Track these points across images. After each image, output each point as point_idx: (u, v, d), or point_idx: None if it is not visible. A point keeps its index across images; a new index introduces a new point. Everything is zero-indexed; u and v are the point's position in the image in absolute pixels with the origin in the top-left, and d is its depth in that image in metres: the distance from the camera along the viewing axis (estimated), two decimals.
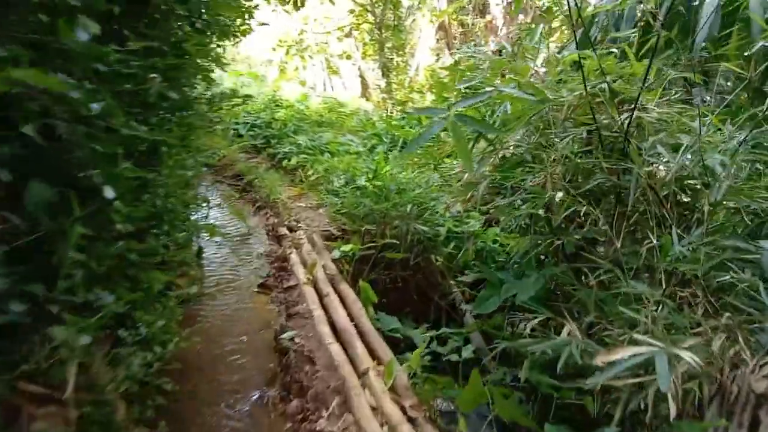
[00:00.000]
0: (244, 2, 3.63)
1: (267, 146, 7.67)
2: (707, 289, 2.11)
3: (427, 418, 2.35)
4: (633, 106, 2.46)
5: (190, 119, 2.97)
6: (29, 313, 1.25)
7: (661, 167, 2.58)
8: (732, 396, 1.70)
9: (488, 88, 2.28)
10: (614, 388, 1.91)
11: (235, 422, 2.48)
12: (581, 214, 2.59)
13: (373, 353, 2.84)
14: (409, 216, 4.38)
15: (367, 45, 14.05)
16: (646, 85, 2.48)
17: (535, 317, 2.39)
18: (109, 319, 1.62)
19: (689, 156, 2.40)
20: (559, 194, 2.63)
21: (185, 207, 3.36)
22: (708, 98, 3.33)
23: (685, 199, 2.59)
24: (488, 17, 12.57)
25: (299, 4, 9.33)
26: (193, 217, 3.74)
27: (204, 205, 4.19)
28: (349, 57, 15.05)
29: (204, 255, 4.22)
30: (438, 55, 13.61)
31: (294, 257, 4.18)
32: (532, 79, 2.89)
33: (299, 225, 5.00)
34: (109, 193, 1.40)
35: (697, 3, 3.31)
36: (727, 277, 2.06)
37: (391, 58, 13.19)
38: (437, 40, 13.88)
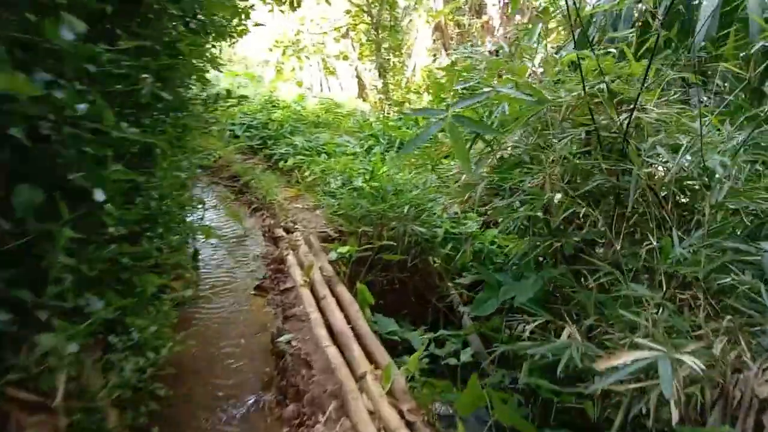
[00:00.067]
0: (239, 2, 3.60)
1: (263, 147, 7.63)
2: (708, 291, 2.09)
3: (425, 422, 2.32)
4: (632, 106, 2.44)
5: (185, 120, 2.94)
6: (14, 321, 1.22)
7: (660, 168, 2.56)
8: (735, 401, 1.68)
9: (486, 89, 2.26)
10: (615, 392, 1.89)
11: (230, 427, 2.45)
12: (580, 215, 2.57)
13: (370, 356, 2.81)
14: (406, 217, 4.35)
15: (364, 45, 14.03)
16: (645, 85, 2.46)
17: (535, 320, 2.37)
18: (100, 325, 1.58)
19: (688, 157, 2.38)
20: (558, 196, 2.61)
21: (181, 209, 3.33)
22: (704, 99, 3.32)
23: (683, 200, 2.57)
24: (485, 18, 12.56)
25: (295, 5, 9.29)
26: (188, 219, 3.70)
27: (200, 206, 4.16)
28: (345, 57, 15.01)
29: (200, 257, 4.19)
30: (435, 55, 13.59)
31: (291, 259, 4.15)
32: (529, 80, 2.87)
33: (296, 226, 4.97)
34: (99, 195, 1.37)
35: (696, 2, 3.29)
36: (728, 279, 2.04)
37: (388, 59, 13.17)
38: (434, 40, 13.85)
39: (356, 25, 13.84)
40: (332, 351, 2.80)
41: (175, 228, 3.12)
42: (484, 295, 3.15)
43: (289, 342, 2.97)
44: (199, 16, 2.74)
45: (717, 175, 2.30)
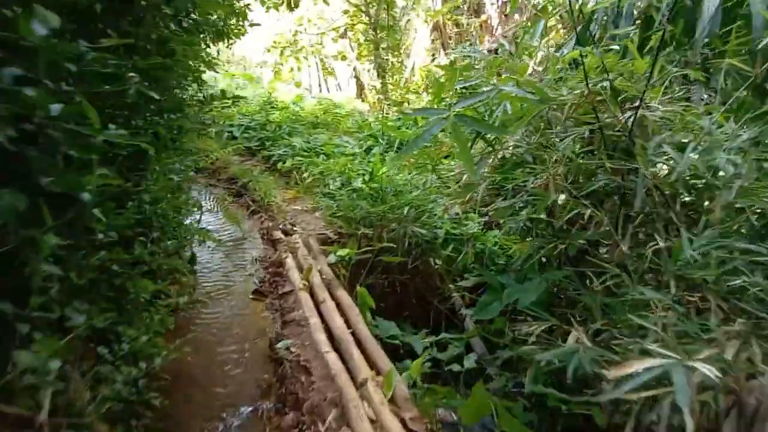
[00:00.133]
0: (235, 2, 3.55)
1: (261, 148, 7.58)
2: (718, 293, 2.03)
3: (428, 431, 2.26)
4: (637, 104, 2.39)
5: (180, 122, 2.88)
6: None
7: (664, 167, 2.50)
8: (750, 408, 1.62)
9: (487, 88, 2.20)
10: (625, 399, 1.82)
11: None
12: (584, 216, 2.51)
13: (371, 362, 2.75)
14: (406, 218, 4.29)
15: (362, 45, 13.98)
16: (650, 82, 2.41)
17: (539, 325, 2.30)
18: (88, 337, 1.52)
19: (694, 155, 2.32)
20: (562, 196, 2.55)
21: (176, 212, 3.27)
22: (705, 96, 3.26)
23: (687, 199, 2.51)
24: (483, 17, 12.51)
25: (293, 5, 9.24)
26: (185, 223, 3.64)
27: (196, 209, 4.10)
28: (344, 58, 14.98)
29: (197, 261, 4.13)
30: (433, 55, 13.55)
31: (289, 262, 4.08)
32: (530, 79, 2.81)
33: (294, 229, 4.91)
34: (86, 200, 1.30)
35: None
36: (739, 281, 1.98)
37: (387, 59, 13.11)
38: (432, 40, 13.81)
39: (354, 25, 13.80)
40: (332, 357, 2.73)
41: (170, 232, 3.07)
42: (488, 298, 3.09)
43: (288, 348, 2.90)
44: (193, 16, 2.68)
45: (721, 173, 2.24)
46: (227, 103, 3.17)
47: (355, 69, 15.05)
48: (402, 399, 2.41)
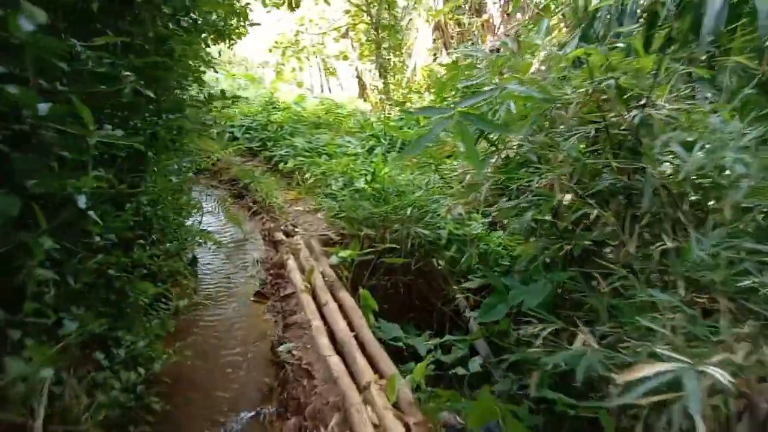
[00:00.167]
0: (235, 1, 3.52)
1: (263, 149, 7.55)
2: (727, 294, 1.99)
3: None
4: (644, 102, 2.35)
5: (180, 122, 2.85)
6: None
7: (669, 166, 2.46)
8: (762, 412, 1.58)
9: (490, 87, 2.16)
10: (634, 404, 1.78)
11: None
12: (590, 216, 2.47)
13: (374, 365, 2.71)
14: (409, 219, 4.26)
15: (364, 45, 13.94)
16: (656, 80, 2.37)
17: (544, 328, 2.26)
18: (86, 340, 1.49)
19: (701, 154, 2.28)
20: (568, 196, 2.51)
21: (177, 214, 3.24)
22: (709, 94, 3.21)
23: (693, 198, 2.46)
24: (485, 16, 12.47)
25: (294, 5, 9.21)
26: (186, 224, 3.62)
27: (198, 210, 4.07)
28: (345, 58, 14.95)
29: (198, 263, 4.10)
30: (435, 55, 13.51)
31: (291, 263, 4.05)
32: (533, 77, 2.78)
33: (296, 230, 4.87)
34: (81, 202, 1.27)
35: None
36: (749, 281, 1.94)
37: (388, 59, 13.07)
38: (434, 40, 13.77)
39: (356, 24, 13.76)
40: (334, 360, 2.70)
41: (171, 233, 3.04)
42: (492, 300, 3.05)
43: (289, 351, 2.87)
44: (192, 15, 2.65)
45: (728, 172, 2.20)
46: (228, 103, 3.14)
47: (356, 69, 15.02)
48: (406, 403, 2.38)
